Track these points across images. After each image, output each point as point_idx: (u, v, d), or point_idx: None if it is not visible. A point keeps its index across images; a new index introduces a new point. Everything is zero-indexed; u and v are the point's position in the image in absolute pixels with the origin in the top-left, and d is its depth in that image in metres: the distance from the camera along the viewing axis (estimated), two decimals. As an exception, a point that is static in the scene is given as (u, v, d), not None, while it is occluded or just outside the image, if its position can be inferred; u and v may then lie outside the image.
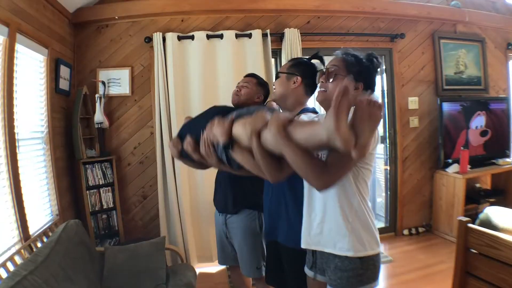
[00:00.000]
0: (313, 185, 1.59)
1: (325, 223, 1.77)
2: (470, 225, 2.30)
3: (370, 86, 1.81)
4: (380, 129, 5.22)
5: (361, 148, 1.37)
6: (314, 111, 2.17)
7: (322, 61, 2.25)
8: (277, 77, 2.30)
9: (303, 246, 1.90)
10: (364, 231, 1.71)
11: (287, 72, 2.24)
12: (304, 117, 1.95)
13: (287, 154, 1.55)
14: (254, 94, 2.65)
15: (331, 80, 1.79)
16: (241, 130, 1.71)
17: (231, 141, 1.77)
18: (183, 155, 2.21)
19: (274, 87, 2.31)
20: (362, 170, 1.72)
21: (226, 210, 2.79)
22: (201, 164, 2.18)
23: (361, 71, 1.78)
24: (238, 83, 2.74)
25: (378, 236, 1.78)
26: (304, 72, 2.18)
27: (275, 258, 2.38)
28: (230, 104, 2.66)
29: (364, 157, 1.51)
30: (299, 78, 2.18)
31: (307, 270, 2.00)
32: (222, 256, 2.99)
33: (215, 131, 1.82)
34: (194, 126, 2.15)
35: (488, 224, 3.26)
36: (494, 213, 3.43)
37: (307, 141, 1.49)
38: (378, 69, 1.84)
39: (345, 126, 1.31)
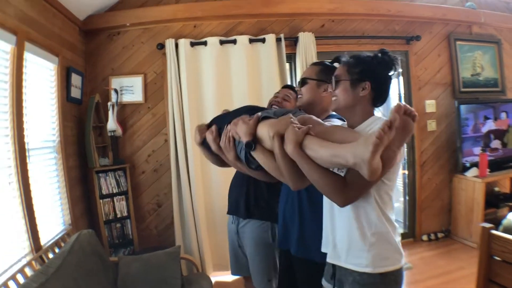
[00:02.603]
0: (333, 201, 1.59)
1: (345, 239, 1.68)
2: (494, 231, 2.20)
3: (380, 83, 1.72)
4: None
5: (387, 167, 1.39)
6: (340, 118, 2.06)
7: None
8: (304, 83, 2.19)
9: (329, 260, 1.81)
10: (384, 246, 1.62)
11: (317, 79, 2.15)
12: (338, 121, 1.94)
13: (304, 171, 1.57)
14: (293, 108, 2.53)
15: (336, 88, 1.75)
16: (265, 131, 1.71)
17: (254, 141, 1.77)
18: (204, 143, 2.25)
19: (300, 94, 2.22)
20: (386, 182, 1.62)
21: (237, 213, 2.71)
22: (218, 159, 2.20)
23: (364, 70, 1.70)
24: (278, 92, 2.64)
25: (401, 249, 1.68)
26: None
27: (287, 268, 2.30)
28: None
29: (390, 169, 1.46)
30: (329, 85, 2.04)
31: (324, 282, 1.91)
32: (235, 266, 2.90)
33: (240, 129, 1.84)
34: (224, 119, 2.15)
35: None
36: (518, 219, 3.32)
37: (328, 160, 1.48)
38: (388, 63, 1.71)
39: (378, 160, 1.29)
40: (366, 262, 1.61)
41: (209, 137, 2.11)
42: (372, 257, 1.60)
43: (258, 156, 1.79)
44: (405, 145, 1.58)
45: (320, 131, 1.59)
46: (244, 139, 1.80)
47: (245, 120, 1.84)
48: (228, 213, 2.83)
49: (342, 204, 1.55)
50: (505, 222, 3.51)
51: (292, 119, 1.63)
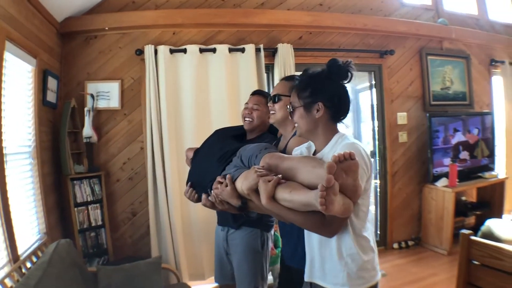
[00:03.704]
0: (321, 235, 1.62)
1: (321, 258, 1.70)
2: (473, 237, 2.28)
3: (332, 99, 1.68)
4: (369, 145, 5.26)
5: (356, 197, 1.41)
6: None
7: None
8: (277, 100, 2.17)
9: (306, 279, 1.81)
10: (359, 266, 1.62)
11: (290, 95, 2.09)
12: (297, 151, 1.90)
13: (285, 217, 1.62)
14: (265, 114, 2.52)
15: (293, 116, 1.76)
16: (241, 189, 1.73)
17: (243, 202, 1.79)
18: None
19: (273, 111, 2.21)
20: (359, 202, 1.60)
21: (227, 223, 2.66)
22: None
23: (312, 91, 1.69)
24: (247, 103, 2.63)
25: (375, 265, 1.70)
26: None
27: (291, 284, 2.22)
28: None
29: (359, 198, 1.47)
30: None
31: None
32: (219, 274, 2.85)
33: (224, 196, 1.84)
34: (201, 173, 2.27)
35: (490, 236, 3.45)
36: (495, 225, 3.59)
37: (302, 208, 1.49)
38: (339, 73, 1.68)
39: (340, 203, 1.32)
40: (343, 281, 1.61)
41: (208, 205, 2.10)
42: (347, 276, 1.60)
43: (254, 209, 1.81)
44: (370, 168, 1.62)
45: (285, 169, 1.60)
46: (234, 204, 1.81)
47: (223, 188, 1.83)
48: (219, 224, 2.79)
49: (330, 236, 1.58)
50: (483, 228, 3.65)
51: (258, 172, 1.61)
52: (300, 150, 1.89)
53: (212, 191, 1.97)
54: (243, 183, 1.69)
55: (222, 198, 1.87)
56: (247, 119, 2.55)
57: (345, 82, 1.70)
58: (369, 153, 1.67)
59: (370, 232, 1.70)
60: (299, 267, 2.00)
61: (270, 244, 2.73)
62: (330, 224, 1.53)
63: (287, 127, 2.18)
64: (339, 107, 1.71)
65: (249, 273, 2.58)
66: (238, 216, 2.50)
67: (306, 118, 1.71)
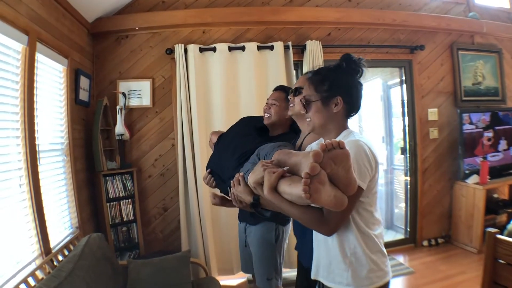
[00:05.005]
0: (319, 233, 1.57)
1: (327, 257, 1.64)
2: (499, 236, 2.15)
3: (351, 94, 1.63)
4: (401, 141, 5.02)
5: (350, 191, 1.31)
6: None
7: None
8: (297, 93, 2.04)
9: (312, 277, 1.76)
10: (363, 266, 1.55)
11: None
12: (308, 148, 1.86)
13: (284, 211, 1.53)
14: (284, 110, 2.46)
15: (308, 110, 1.67)
16: (249, 182, 1.67)
17: (255, 199, 1.72)
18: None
19: (292, 104, 2.14)
20: (362, 200, 1.55)
21: (245, 220, 2.70)
22: None
23: (332, 85, 1.61)
24: (268, 99, 2.56)
25: (384, 265, 1.60)
26: None
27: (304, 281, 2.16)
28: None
29: (354, 191, 1.33)
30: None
31: None
32: (244, 265, 2.88)
33: (239, 194, 1.79)
34: (220, 165, 2.22)
35: (516, 234, 3.27)
36: (522, 224, 3.43)
37: (300, 202, 1.41)
38: (355, 69, 1.62)
39: (330, 196, 1.25)
40: (347, 281, 1.56)
41: (217, 203, 2.15)
42: (352, 277, 1.55)
43: (265, 205, 1.73)
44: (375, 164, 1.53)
45: (292, 165, 1.49)
46: (247, 201, 1.75)
47: (236, 184, 1.80)
48: (239, 220, 2.81)
49: (327, 234, 1.53)
50: (509, 226, 3.48)
51: (265, 165, 1.55)
52: (311, 146, 1.85)
53: (230, 190, 1.93)
54: (250, 176, 1.63)
55: (237, 195, 1.82)
56: (265, 114, 2.51)
57: (358, 78, 1.66)
58: (375, 151, 1.56)
59: (379, 232, 1.63)
60: (307, 265, 1.96)
61: (286, 238, 2.70)
62: (328, 222, 1.47)
63: (305, 121, 2.06)
64: (355, 102, 1.66)
65: (262, 265, 2.59)
66: (256, 215, 2.47)
67: (322, 112, 1.63)
